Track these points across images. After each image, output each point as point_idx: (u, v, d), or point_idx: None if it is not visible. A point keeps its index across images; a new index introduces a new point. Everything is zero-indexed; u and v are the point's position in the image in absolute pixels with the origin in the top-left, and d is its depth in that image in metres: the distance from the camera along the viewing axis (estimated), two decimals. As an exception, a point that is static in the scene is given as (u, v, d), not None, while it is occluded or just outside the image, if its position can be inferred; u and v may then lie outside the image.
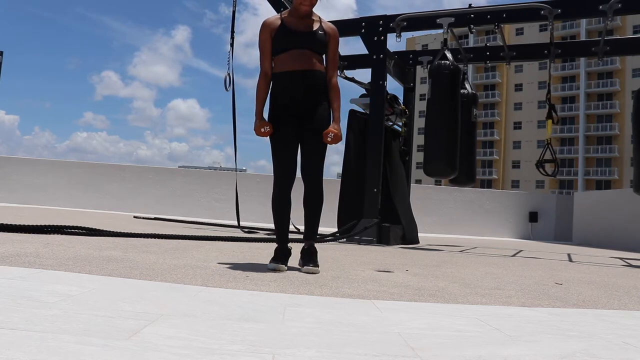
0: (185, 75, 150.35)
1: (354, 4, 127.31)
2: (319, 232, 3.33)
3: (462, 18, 6.56)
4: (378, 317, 1.72)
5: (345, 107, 6.96)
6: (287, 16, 3.02)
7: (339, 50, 3.16)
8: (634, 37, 8.34)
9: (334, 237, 6.03)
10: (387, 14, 6.78)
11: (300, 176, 3.06)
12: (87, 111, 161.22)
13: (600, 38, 7.11)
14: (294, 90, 2.93)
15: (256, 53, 3.12)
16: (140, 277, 2.29)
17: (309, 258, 2.96)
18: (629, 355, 1.38)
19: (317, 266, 2.92)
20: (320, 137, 2.96)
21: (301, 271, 2.88)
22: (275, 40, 2.97)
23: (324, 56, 3.06)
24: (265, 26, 3.01)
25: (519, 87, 65.19)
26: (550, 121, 6.68)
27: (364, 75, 8.90)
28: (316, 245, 3.13)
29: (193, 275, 2.45)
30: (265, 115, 3.02)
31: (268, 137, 2.99)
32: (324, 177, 3.09)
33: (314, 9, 3.04)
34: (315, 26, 3.00)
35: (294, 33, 2.95)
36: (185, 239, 4.66)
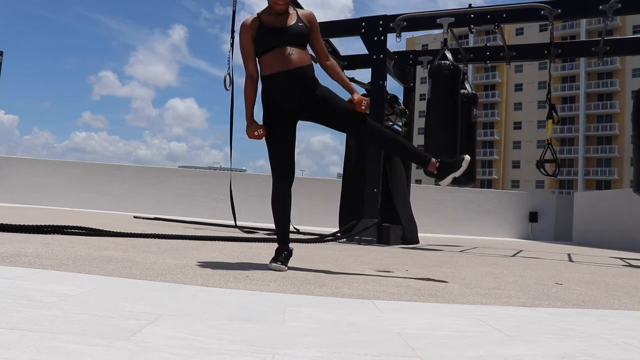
0: (182, 75, 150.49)
1: (351, 3, 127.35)
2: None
3: (462, 18, 6.56)
4: (378, 317, 1.72)
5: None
6: (264, 15, 2.98)
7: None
8: (634, 37, 8.34)
9: (334, 237, 6.03)
10: (387, 14, 6.78)
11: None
12: (85, 111, 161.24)
13: (600, 38, 7.11)
14: (286, 91, 2.90)
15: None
16: (140, 277, 2.29)
17: (445, 170, 2.85)
18: (629, 355, 1.38)
19: (460, 167, 2.80)
20: (326, 95, 2.92)
21: (437, 180, 2.87)
22: (256, 41, 2.93)
23: (309, 46, 3.02)
24: (245, 28, 2.96)
25: (519, 87, 65.17)
26: (550, 121, 6.68)
27: (364, 75, 8.91)
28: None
29: (193, 275, 2.45)
30: (257, 118, 3.01)
31: (264, 139, 2.98)
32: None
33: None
34: (293, 19, 2.96)
35: (274, 31, 2.90)
36: (185, 239, 4.66)
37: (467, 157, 2.79)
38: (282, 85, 2.90)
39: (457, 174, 2.82)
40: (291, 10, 3.01)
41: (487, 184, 63.91)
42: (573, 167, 61.16)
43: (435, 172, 2.90)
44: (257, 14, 3.01)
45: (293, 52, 2.89)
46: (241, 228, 6.89)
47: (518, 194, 13.24)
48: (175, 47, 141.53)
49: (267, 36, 2.90)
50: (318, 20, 3.11)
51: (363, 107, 2.90)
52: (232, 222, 6.87)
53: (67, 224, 4.75)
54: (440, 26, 6.59)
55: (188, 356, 1.12)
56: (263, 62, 2.94)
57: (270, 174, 3.05)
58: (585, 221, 11.66)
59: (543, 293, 2.62)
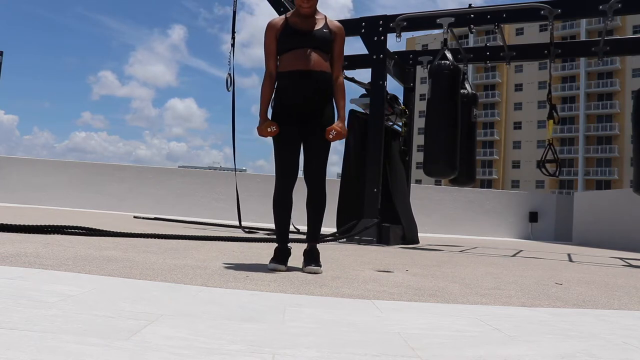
0: (182, 75, 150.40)
1: (350, 3, 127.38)
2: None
3: (462, 18, 6.56)
4: (378, 317, 1.72)
5: (346, 107, 6.96)
6: (291, 16, 3.04)
7: None
8: (634, 37, 8.34)
9: (334, 237, 6.03)
10: (386, 14, 6.78)
11: (302, 176, 3.06)
12: (85, 111, 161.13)
13: (600, 38, 7.11)
14: (299, 90, 2.93)
15: (252, 52, 3.16)
16: (140, 277, 2.29)
17: (312, 259, 2.97)
18: (629, 355, 1.38)
19: (320, 266, 2.94)
20: (324, 139, 2.97)
21: (303, 271, 2.89)
22: (280, 40, 2.98)
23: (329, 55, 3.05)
24: (270, 27, 3.03)
25: (519, 87, 65.16)
26: (551, 121, 6.68)
27: (364, 75, 8.89)
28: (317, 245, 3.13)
29: (193, 275, 2.45)
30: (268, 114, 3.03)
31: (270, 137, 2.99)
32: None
33: (319, 8, 3.05)
34: (320, 24, 3.01)
35: (298, 32, 2.96)
36: (185, 239, 4.66)
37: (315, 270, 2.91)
38: (296, 83, 2.93)
39: (311, 270, 2.89)
40: (319, 16, 3.05)
41: (487, 184, 63.90)
42: (573, 167, 61.15)
43: (306, 250, 3.04)
44: (285, 15, 3.07)
45: (314, 54, 2.94)
46: (243, 228, 6.89)
47: (518, 194, 13.24)
48: (174, 47, 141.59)
49: (291, 36, 2.95)
50: None
51: (331, 137, 2.95)
52: (231, 222, 6.87)
53: (67, 224, 4.75)
54: (440, 26, 6.59)
55: (188, 356, 1.12)
56: (283, 60, 2.99)
57: (270, 174, 3.07)
58: (585, 221, 11.66)
59: (543, 293, 2.62)
